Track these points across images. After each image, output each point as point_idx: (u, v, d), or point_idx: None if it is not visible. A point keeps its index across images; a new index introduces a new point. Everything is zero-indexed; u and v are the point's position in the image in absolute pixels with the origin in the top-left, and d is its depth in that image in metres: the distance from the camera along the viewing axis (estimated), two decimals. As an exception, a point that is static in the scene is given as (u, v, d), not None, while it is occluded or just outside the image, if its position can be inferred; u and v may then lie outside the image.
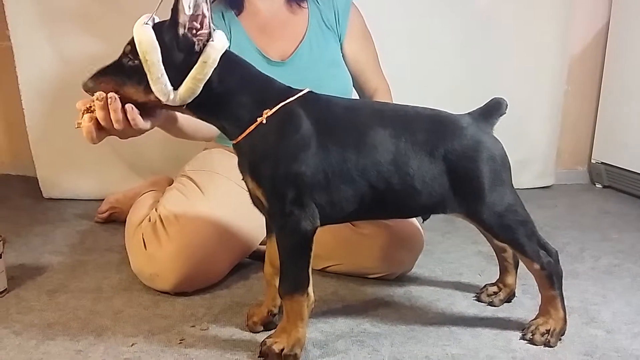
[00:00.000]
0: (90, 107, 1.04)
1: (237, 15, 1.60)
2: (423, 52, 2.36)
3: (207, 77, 1.01)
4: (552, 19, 2.43)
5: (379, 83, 1.70)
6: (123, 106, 1.02)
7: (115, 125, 1.03)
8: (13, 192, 2.34)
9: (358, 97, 1.74)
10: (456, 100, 2.15)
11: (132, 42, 1.01)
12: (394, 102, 1.69)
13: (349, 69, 1.66)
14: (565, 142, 2.69)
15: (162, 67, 0.99)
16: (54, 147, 2.22)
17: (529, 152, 2.54)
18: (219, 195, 1.48)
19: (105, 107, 1.02)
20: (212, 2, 1.64)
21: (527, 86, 2.47)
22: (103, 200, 2.03)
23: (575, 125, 2.69)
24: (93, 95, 1.03)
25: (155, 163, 2.26)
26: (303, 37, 1.61)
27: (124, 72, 1.02)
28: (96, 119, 1.03)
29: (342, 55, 1.66)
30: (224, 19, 1.58)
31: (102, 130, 1.05)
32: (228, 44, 1.05)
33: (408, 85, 2.10)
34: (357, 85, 1.70)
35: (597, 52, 2.61)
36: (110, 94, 1.01)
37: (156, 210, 1.49)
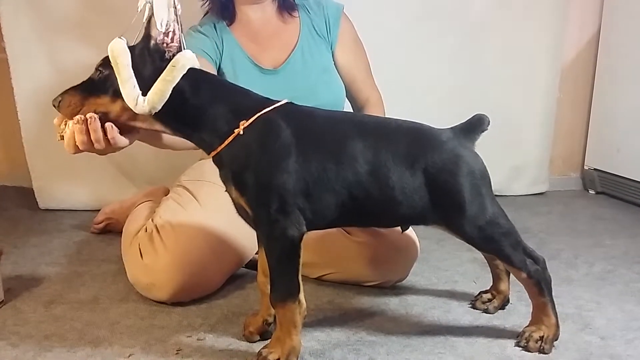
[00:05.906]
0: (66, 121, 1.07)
1: (228, 26, 1.61)
2: (416, 61, 2.38)
3: (176, 81, 1.03)
4: (544, 28, 2.45)
5: (370, 93, 1.71)
6: (102, 126, 1.04)
7: (96, 146, 1.05)
8: (9, 203, 2.34)
9: (351, 107, 1.75)
10: (450, 108, 2.18)
11: (104, 58, 1.06)
12: (385, 111, 1.70)
13: (340, 78, 1.67)
14: (559, 149, 2.70)
15: (132, 71, 1.02)
16: (49, 158, 2.22)
17: (523, 159, 2.56)
18: (215, 205, 1.48)
19: (84, 132, 1.04)
20: (205, 14, 1.66)
21: (520, 94, 2.49)
22: (99, 210, 2.03)
23: (568, 132, 2.71)
24: (61, 111, 1.06)
25: (151, 173, 2.27)
26: (295, 46, 1.62)
27: (92, 85, 1.07)
28: (74, 139, 1.05)
29: (334, 64, 1.67)
30: (215, 30, 1.59)
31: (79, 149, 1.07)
32: (197, 63, 1.09)
33: (401, 93, 2.12)
34: (348, 95, 1.70)
35: (588, 60, 2.64)
36: (90, 114, 1.04)
37: (152, 220, 1.49)
